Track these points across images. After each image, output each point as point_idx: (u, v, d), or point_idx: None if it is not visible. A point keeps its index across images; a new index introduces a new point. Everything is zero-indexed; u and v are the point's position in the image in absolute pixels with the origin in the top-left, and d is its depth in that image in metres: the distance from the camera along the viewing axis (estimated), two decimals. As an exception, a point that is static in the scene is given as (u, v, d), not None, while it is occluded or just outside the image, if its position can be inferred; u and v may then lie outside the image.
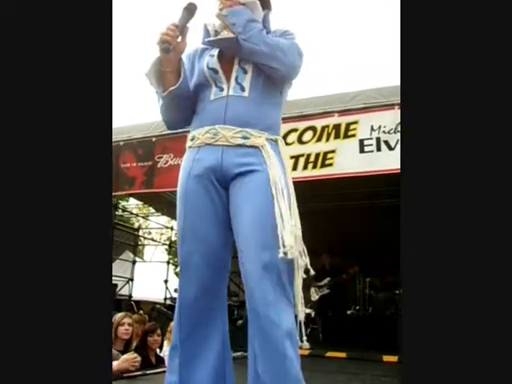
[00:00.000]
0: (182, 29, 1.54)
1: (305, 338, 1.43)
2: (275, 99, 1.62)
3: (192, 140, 1.61)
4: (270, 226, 1.42)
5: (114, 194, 6.50)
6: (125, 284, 8.79)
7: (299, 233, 1.48)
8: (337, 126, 4.08)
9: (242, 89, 1.58)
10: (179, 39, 1.54)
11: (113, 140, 5.10)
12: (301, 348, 1.40)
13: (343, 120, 4.08)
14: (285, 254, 1.37)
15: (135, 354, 2.88)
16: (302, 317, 1.45)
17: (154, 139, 4.86)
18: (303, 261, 1.47)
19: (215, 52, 1.66)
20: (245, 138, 1.53)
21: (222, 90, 1.59)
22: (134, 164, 5.04)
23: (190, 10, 1.57)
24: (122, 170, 5.08)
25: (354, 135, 3.99)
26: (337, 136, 4.06)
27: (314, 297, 6.06)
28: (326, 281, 6.17)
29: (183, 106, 1.65)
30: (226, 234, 1.56)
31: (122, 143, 5.09)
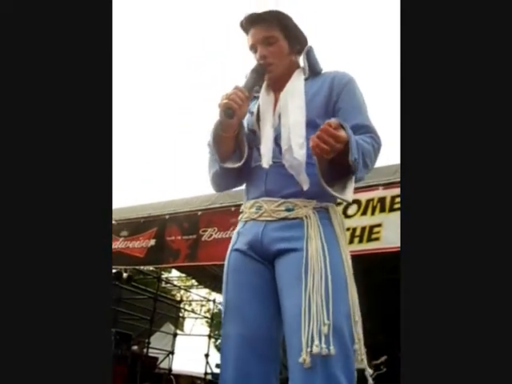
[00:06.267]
0: (248, 92, 1.40)
1: None
2: None
3: (241, 213, 1.49)
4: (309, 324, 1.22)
5: (159, 266, 6.61)
6: (165, 357, 8.67)
7: (357, 328, 1.28)
8: (382, 200, 4.04)
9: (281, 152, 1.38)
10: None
11: (159, 214, 5.26)
12: None
13: (388, 193, 4.04)
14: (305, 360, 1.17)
15: None
16: None
17: (199, 213, 4.96)
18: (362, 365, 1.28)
19: (255, 107, 1.50)
20: (288, 210, 1.36)
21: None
22: (179, 237, 5.12)
23: (258, 73, 1.45)
24: (167, 243, 5.16)
25: (399, 208, 3.95)
26: (382, 209, 4.01)
27: (372, 375, 5.72)
28: (382, 359, 5.81)
29: (239, 174, 1.50)
30: (274, 313, 1.36)
31: (167, 217, 5.21)
